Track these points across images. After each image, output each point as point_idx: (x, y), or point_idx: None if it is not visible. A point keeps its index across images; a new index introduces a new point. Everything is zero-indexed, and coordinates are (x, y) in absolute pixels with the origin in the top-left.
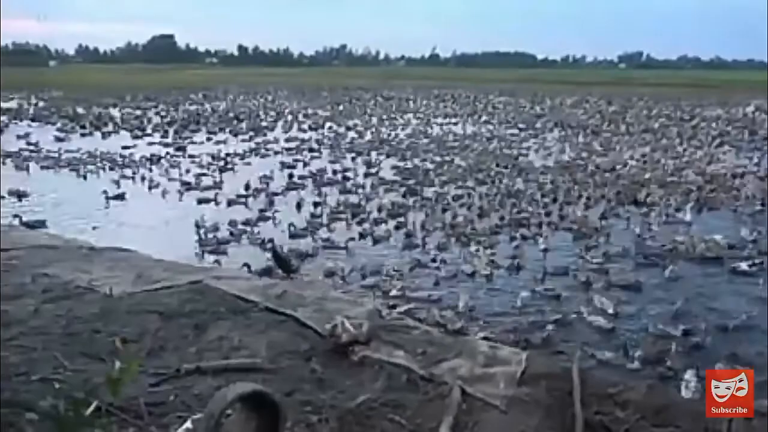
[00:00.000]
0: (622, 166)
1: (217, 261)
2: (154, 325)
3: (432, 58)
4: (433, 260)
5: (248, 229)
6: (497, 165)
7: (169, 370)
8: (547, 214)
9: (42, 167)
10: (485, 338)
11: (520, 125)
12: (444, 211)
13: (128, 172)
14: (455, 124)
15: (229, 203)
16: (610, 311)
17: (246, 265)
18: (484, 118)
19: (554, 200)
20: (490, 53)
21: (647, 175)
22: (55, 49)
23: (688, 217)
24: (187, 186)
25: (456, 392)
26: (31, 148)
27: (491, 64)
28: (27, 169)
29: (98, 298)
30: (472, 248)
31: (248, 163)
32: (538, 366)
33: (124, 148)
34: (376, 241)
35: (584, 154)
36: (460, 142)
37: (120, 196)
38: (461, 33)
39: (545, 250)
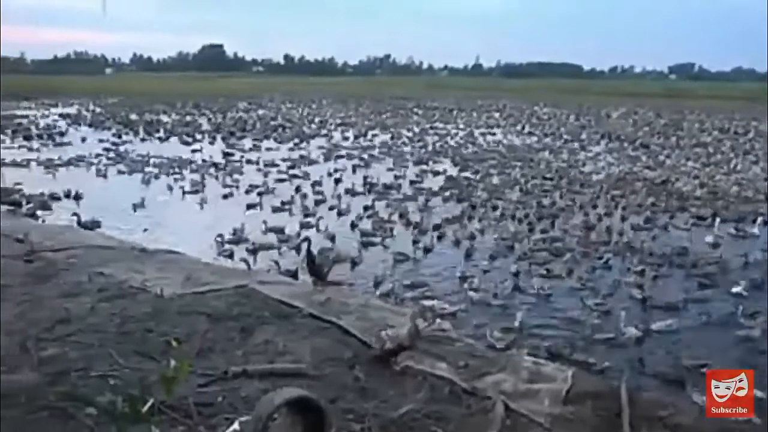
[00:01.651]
0: (675, 180)
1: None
2: (203, 327)
3: (475, 68)
4: (485, 269)
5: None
6: (544, 178)
7: (217, 371)
8: (590, 228)
9: (119, 171)
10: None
11: (566, 137)
12: (496, 221)
13: (195, 176)
14: (494, 134)
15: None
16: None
17: (275, 262)
18: (528, 129)
19: (605, 214)
20: (534, 63)
21: (702, 190)
22: (112, 58)
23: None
24: (257, 192)
25: (499, 407)
26: (111, 154)
27: (536, 74)
28: (105, 174)
29: (150, 298)
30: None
31: (305, 173)
32: (584, 384)
33: (194, 152)
34: (427, 250)
35: (633, 167)
36: (503, 153)
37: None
38: (506, 43)
39: (606, 264)
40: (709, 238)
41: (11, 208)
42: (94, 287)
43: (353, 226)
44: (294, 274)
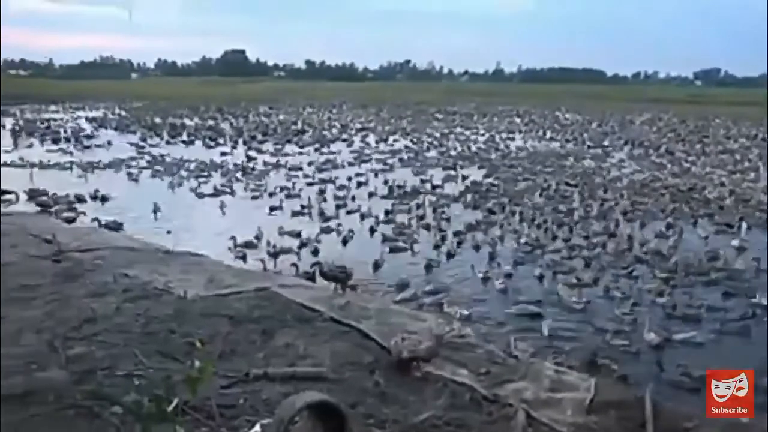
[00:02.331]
0: (700, 187)
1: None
2: (225, 329)
3: (496, 73)
4: (507, 274)
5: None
6: (567, 184)
7: (239, 373)
8: (613, 235)
9: (145, 174)
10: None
11: (589, 143)
12: (519, 226)
13: (222, 179)
14: (516, 140)
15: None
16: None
17: (294, 265)
18: (549, 134)
19: (629, 221)
20: (556, 69)
21: (729, 198)
22: (137, 62)
23: None
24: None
25: (521, 416)
26: (138, 157)
27: (557, 80)
28: (137, 179)
29: (173, 299)
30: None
31: (328, 177)
32: (607, 393)
33: (223, 154)
34: (450, 255)
35: (658, 174)
36: (525, 159)
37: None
38: (526, 48)
39: (630, 271)
40: (735, 242)
41: (40, 209)
42: (119, 288)
43: (372, 231)
44: (311, 277)
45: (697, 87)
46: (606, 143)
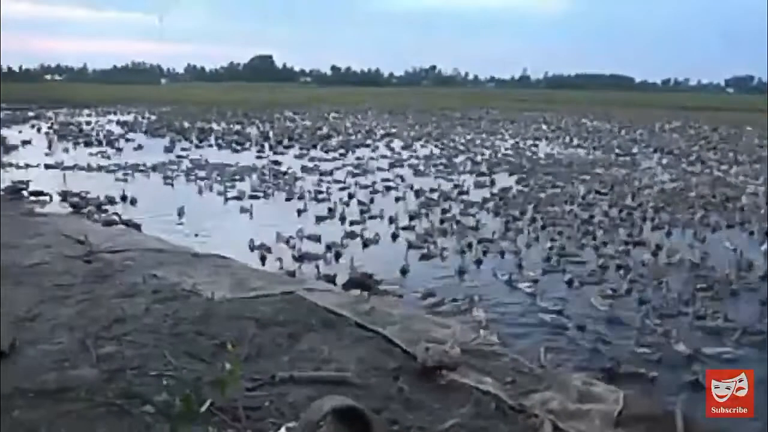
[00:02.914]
0: (733, 196)
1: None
2: (251, 332)
3: (522, 79)
4: (534, 280)
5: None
6: (597, 192)
7: (265, 376)
8: (641, 244)
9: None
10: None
11: (617, 150)
12: (548, 233)
13: (252, 184)
14: (543, 147)
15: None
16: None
17: (316, 267)
18: (577, 141)
19: (658, 228)
20: (583, 75)
21: (766, 208)
22: (167, 68)
23: None
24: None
25: (547, 427)
26: (192, 165)
27: (585, 86)
28: (170, 183)
29: (201, 301)
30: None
31: (355, 182)
32: (637, 406)
33: (259, 157)
34: (478, 263)
35: (688, 183)
36: (551, 166)
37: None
38: (553, 54)
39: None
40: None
41: (73, 210)
42: (148, 289)
43: (394, 237)
44: (332, 279)
45: (729, 95)
46: (635, 151)
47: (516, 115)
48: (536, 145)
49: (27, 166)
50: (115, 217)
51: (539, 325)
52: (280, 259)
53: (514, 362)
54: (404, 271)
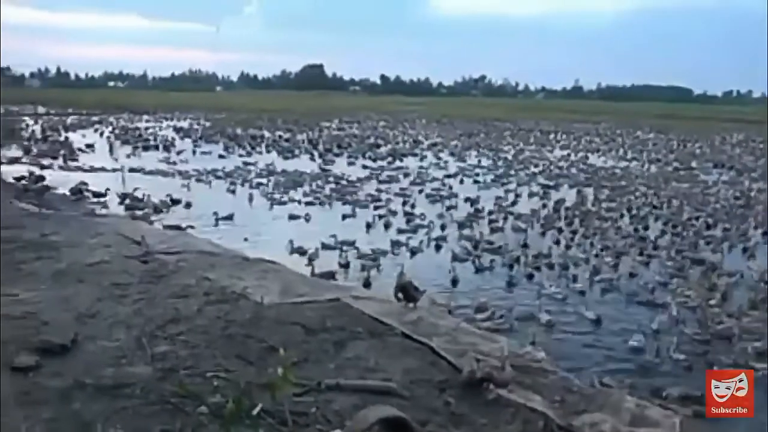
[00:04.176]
0: None
1: None
2: (299, 337)
3: (574, 90)
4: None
5: None
6: (653, 206)
7: (311, 382)
8: (699, 262)
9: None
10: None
11: (675, 164)
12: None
13: (303, 190)
14: (595, 159)
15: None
16: None
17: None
18: (631, 154)
19: (719, 246)
20: (639, 86)
21: None
22: (222, 75)
23: None
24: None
25: None
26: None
27: (640, 97)
28: (230, 189)
29: (250, 305)
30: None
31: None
32: None
33: (324, 168)
34: (529, 277)
35: (751, 200)
36: (604, 179)
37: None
38: (607, 64)
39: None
40: None
41: (130, 211)
42: (201, 290)
43: (438, 247)
44: (379, 288)
45: None
46: (694, 165)
47: (568, 127)
48: (589, 158)
49: (90, 168)
50: (170, 220)
51: (590, 344)
52: (326, 266)
53: (563, 380)
54: (454, 282)
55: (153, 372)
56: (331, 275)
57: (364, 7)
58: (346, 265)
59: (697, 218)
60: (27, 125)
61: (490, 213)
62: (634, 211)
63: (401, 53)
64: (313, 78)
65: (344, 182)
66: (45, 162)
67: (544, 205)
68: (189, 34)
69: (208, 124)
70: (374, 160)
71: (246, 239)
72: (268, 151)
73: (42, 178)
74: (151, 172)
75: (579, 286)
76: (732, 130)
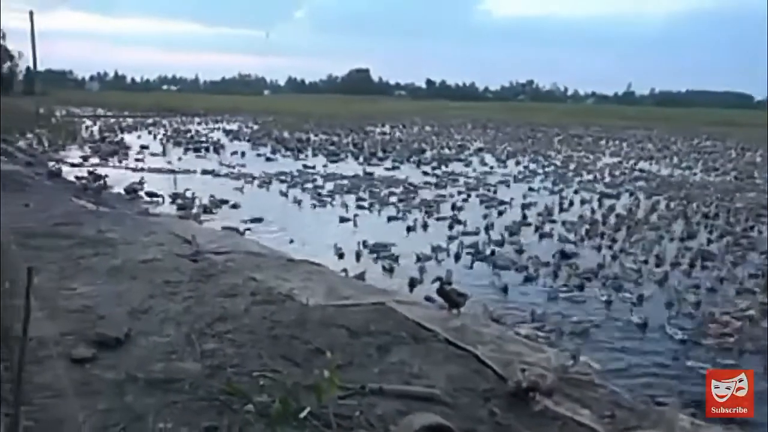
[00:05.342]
0: None
1: None
2: (343, 340)
3: (626, 95)
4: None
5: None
6: (704, 216)
7: (355, 385)
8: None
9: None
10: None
11: (734, 173)
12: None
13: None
14: (648, 166)
15: None
16: None
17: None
18: (686, 163)
19: None
20: (695, 92)
21: None
22: (270, 79)
23: None
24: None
25: None
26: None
27: (696, 103)
28: (286, 194)
29: (296, 306)
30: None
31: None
32: None
33: (356, 167)
34: (579, 288)
35: None
36: (658, 188)
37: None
38: (661, 69)
39: None
40: None
41: (181, 211)
42: (248, 290)
43: (480, 256)
44: (423, 294)
45: None
46: (755, 175)
47: (619, 133)
48: (643, 165)
49: (144, 168)
50: (220, 221)
51: (638, 352)
52: (372, 271)
53: (613, 395)
54: (505, 289)
55: (201, 369)
56: (381, 283)
57: (413, 11)
58: (390, 270)
59: (758, 231)
60: (86, 126)
61: (539, 219)
62: (690, 220)
63: (448, 58)
64: (359, 82)
65: (391, 186)
66: (102, 161)
67: (593, 209)
68: (239, 39)
69: (256, 127)
70: (418, 165)
71: (291, 241)
72: (315, 155)
73: (99, 177)
74: (202, 173)
75: (629, 296)
76: None
